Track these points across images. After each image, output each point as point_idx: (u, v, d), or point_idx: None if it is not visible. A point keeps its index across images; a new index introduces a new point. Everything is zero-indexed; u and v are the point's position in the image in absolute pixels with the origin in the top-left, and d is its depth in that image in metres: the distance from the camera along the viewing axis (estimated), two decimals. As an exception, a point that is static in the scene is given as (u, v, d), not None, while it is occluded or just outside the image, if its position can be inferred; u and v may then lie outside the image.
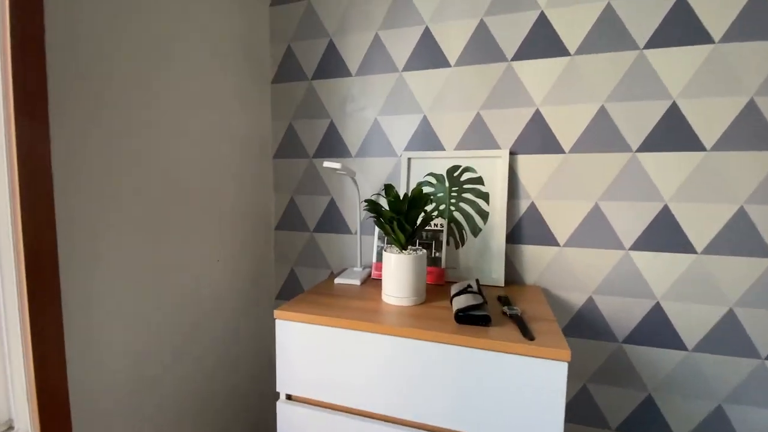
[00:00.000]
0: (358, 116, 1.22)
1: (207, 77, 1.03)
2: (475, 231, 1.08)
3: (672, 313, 0.99)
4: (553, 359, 0.67)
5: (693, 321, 0.98)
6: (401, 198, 0.89)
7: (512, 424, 0.70)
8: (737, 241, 0.93)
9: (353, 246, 1.27)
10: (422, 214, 0.92)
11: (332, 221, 1.29)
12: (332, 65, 1.24)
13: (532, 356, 0.68)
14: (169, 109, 0.92)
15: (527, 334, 0.72)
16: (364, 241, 1.24)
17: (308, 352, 0.84)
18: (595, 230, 1.03)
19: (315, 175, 1.30)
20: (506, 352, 0.70)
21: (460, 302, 0.80)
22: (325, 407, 0.84)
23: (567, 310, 1.07)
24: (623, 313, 1.03)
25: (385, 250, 0.90)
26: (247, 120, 1.21)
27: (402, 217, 0.86)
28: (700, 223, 0.95)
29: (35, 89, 0.65)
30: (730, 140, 0.92)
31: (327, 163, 0.98)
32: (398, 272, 0.87)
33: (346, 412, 0.83)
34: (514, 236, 1.09)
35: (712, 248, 0.95)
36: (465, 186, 1.09)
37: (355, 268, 1.16)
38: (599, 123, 1.00)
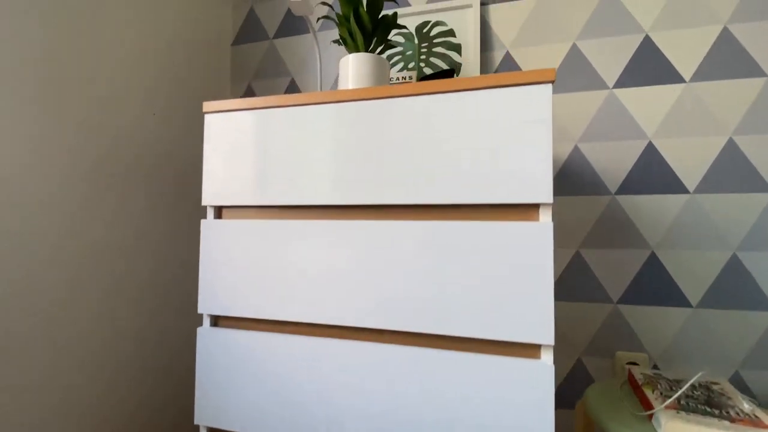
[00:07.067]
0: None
1: None
2: (448, 84, 0.98)
3: (666, 152, 0.89)
4: (535, 82, 0.55)
5: (690, 158, 0.87)
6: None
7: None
8: (725, 63, 0.86)
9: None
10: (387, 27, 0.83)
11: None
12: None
13: (514, 85, 0.56)
14: None
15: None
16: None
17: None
18: (575, 71, 0.95)
19: None
20: (476, 88, 0.58)
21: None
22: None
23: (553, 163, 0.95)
24: (614, 160, 0.92)
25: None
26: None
27: (362, 9, 0.77)
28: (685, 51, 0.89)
29: None
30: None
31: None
32: (357, 77, 0.76)
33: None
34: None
35: (700, 75, 0.88)
36: (435, 41, 1.02)
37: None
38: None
